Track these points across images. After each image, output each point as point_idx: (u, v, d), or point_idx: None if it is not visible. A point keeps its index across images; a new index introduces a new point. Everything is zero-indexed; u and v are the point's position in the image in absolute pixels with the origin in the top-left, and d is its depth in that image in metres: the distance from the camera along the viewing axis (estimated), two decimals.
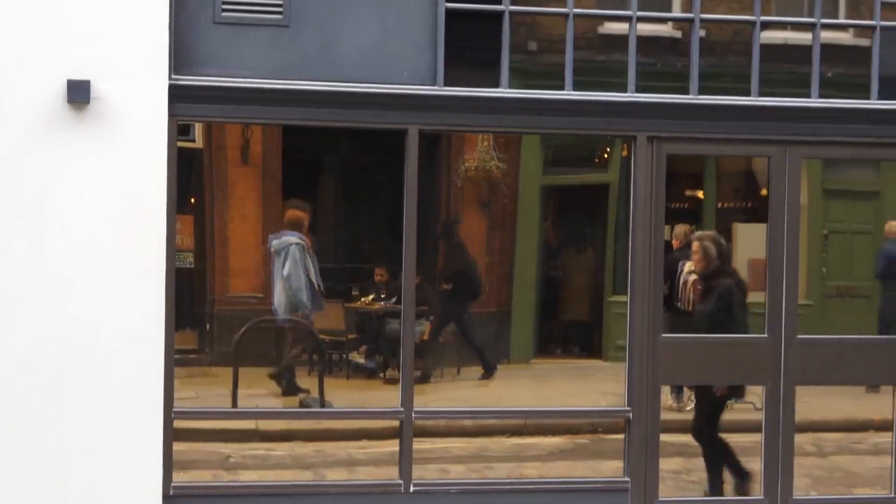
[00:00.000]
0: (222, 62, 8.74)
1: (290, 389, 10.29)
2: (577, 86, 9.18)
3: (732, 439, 9.79)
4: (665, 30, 9.69)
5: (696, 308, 10.01)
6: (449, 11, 8.97)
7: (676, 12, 9.61)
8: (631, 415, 9.29)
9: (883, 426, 9.77)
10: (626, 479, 9.31)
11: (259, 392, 10.37)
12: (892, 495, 9.61)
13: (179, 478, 8.78)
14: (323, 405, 10.32)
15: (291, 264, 9.72)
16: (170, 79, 8.53)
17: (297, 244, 9.89)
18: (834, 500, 9.71)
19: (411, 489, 9.04)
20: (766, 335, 9.46)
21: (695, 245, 9.88)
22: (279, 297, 9.86)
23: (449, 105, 8.98)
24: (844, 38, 9.86)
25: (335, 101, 8.82)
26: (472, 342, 11.24)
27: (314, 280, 9.77)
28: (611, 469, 9.53)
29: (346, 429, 9.92)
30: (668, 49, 9.65)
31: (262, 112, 8.85)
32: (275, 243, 10.00)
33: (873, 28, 9.50)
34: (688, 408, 10.57)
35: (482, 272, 11.45)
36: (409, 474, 9.04)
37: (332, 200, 11.95)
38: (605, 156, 10.94)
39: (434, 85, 8.97)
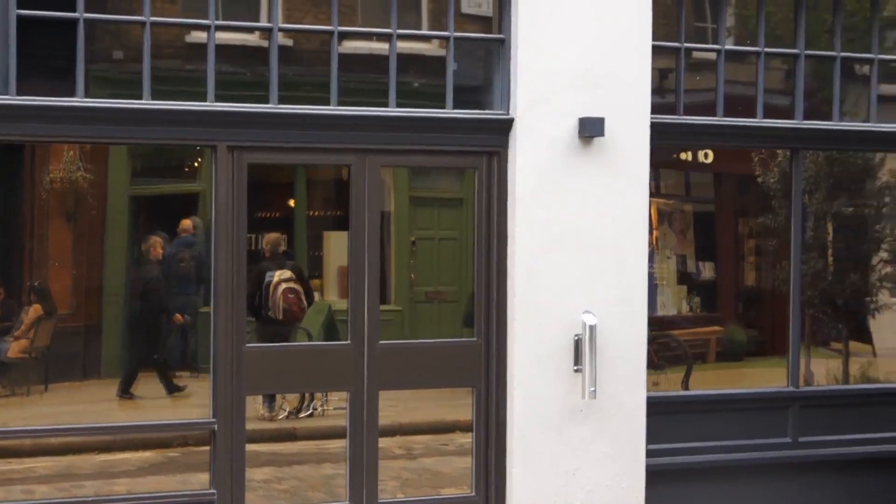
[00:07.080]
0: None
1: None
2: (159, 95, 9.09)
3: (319, 445, 9.88)
4: (251, 39, 9.67)
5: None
6: (21, 18, 8.72)
7: (263, 21, 9.59)
8: (216, 426, 9.25)
9: (467, 427, 10.03)
10: (213, 490, 9.27)
11: None
12: (473, 494, 9.90)
13: None
14: None
15: None
16: None
17: None
18: (420, 501, 9.91)
19: None
20: (349, 342, 9.59)
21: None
22: None
23: (23, 115, 8.75)
24: (425, 48, 10.09)
25: None
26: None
27: None
28: (200, 482, 9.46)
29: None
30: (252, 58, 9.64)
31: None
32: None
33: (447, 38, 9.76)
34: (280, 416, 10.62)
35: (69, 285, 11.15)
36: None
37: None
38: (196, 165, 10.85)
39: (6, 94, 8.71)
